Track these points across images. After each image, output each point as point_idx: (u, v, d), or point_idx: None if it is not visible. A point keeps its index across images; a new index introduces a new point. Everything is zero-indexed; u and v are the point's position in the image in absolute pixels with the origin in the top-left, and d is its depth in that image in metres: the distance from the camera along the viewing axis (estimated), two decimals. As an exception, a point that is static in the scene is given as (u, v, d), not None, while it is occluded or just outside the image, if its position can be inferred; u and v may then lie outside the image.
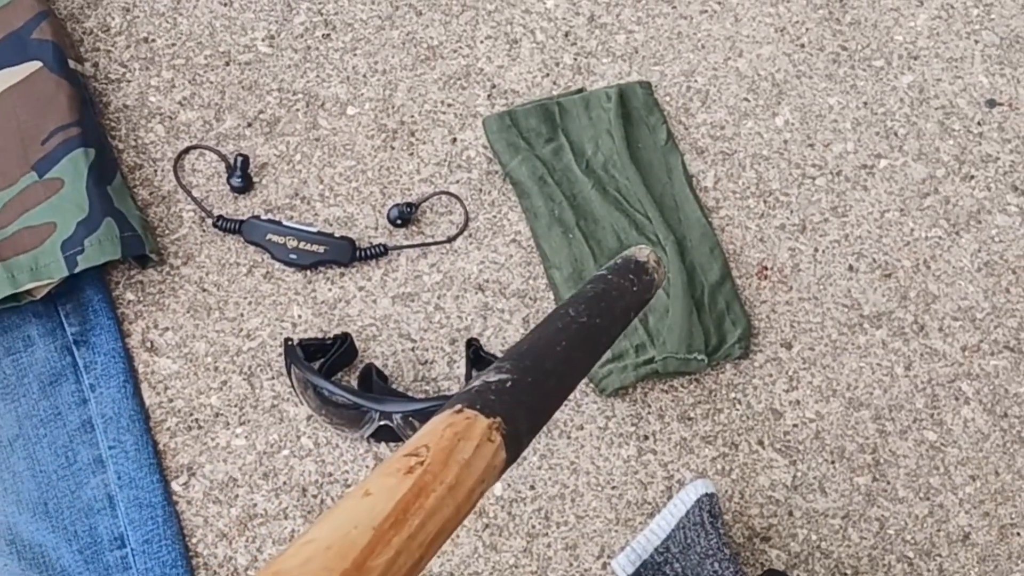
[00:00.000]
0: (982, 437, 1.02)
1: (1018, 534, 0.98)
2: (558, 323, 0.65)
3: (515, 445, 0.55)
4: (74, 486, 0.90)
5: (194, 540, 0.90)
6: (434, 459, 0.50)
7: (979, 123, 1.17)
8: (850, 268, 1.08)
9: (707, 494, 0.90)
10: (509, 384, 0.57)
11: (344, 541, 0.45)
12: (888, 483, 0.99)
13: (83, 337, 0.95)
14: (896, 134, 1.15)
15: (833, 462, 0.99)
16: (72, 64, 1.04)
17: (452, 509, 0.50)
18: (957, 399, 1.03)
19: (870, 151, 1.14)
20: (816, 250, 1.08)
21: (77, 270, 0.93)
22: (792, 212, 1.10)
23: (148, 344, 0.97)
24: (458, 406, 0.55)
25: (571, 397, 0.98)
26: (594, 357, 0.67)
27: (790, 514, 0.97)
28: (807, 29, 1.20)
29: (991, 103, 1.18)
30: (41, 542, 0.88)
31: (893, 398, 1.02)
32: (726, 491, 0.97)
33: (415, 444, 0.51)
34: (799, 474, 0.98)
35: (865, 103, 1.17)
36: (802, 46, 1.19)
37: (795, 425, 1.00)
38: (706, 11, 1.20)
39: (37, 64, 1.02)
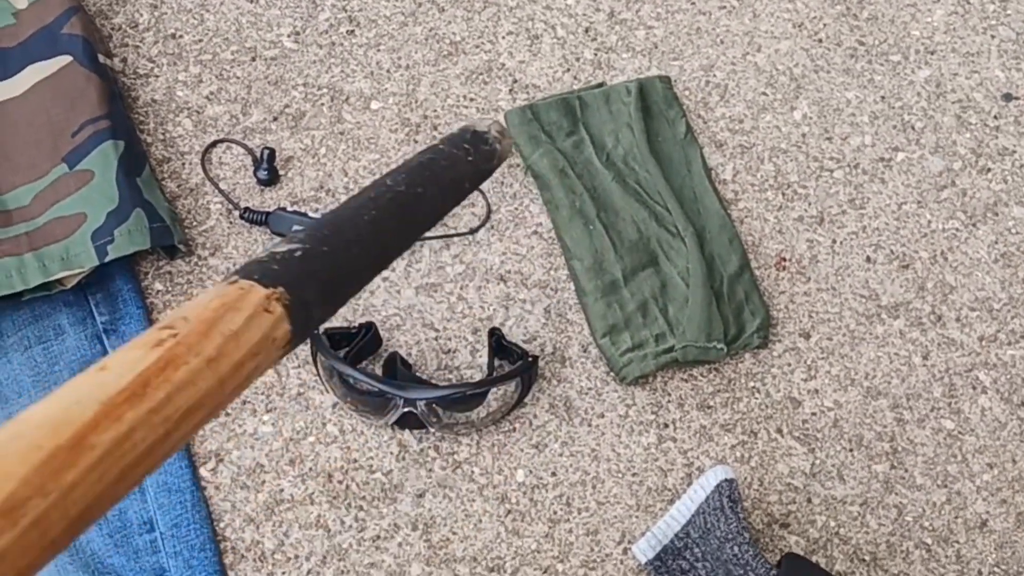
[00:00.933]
0: (999, 425, 1.03)
1: (1035, 521, 0.99)
2: (371, 192, 0.59)
3: (302, 316, 0.50)
4: (105, 470, 0.92)
5: (222, 524, 0.92)
6: (192, 331, 0.45)
7: (996, 117, 1.18)
8: (868, 259, 1.09)
9: (727, 479, 0.91)
10: (299, 253, 0.51)
11: (61, 416, 0.39)
12: (906, 471, 1.00)
13: (113, 326, 0.97)
14: (913, 128, 1.16)
15: (851, 450, 1.00)
16: (102, 58, 1.06)
17: (212, 382, 0.44)
18: (974, 388, 1.04)
19: (887, 144, 1.15)
20: (834, 241, 1.09)
21: (107, 260, 0.94)
22: (810, 204, 1.11)
23: (177, 333, 0.99)
24: (234, 277, 0.49)
25: (591, 386, 1.00)
26: (414, 228, 0.61)
27: (809, 501, 0.98)
28: (825, 24, 1.22)
29: (1008, 97, 1.19)
30: (73, 525, 0.90)
31: (911, 387, 1.03)
32: (745, 478, 0.98)
33: (173, 316, 0.46)
34: (817, 462, 0.99)
35: (882, 97, 1.18)
36: (820, 41, 1.21)
37: (813, 414, 1.01)
38: (725, 7, 1.22)
39: (68, 58, 1.03)
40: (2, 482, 0.36)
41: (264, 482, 0.94)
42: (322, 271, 0.52)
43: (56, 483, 0.38)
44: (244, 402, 0.96)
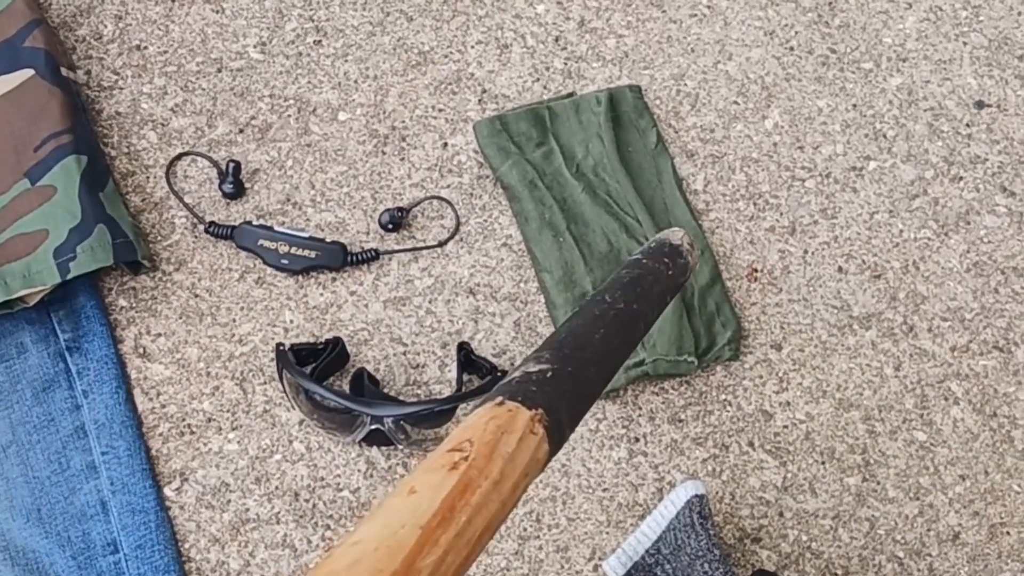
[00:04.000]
0: (971, 437, 1.02)
1: (1007, 533, 0.98)
2: (595, 310, 0.64)
3: (557, 437, 0.54)
4: (67, 492, 0.91)
5: (187, 545, 0.91)
6: (478, 454, 0.49)
7: (968, 124, 1.17)
8: (839, 269, 1.08)
9: (697, 495, 0.90)
10: (550, 375, 0.56)
11: (392, 541, 0.45)
12: (878, 483, 0.99)
13: (76, 343, 0.96)
14: (885, 136, 1.16)
15: (823, 463, 1.00)
16: (64, 72, 1.04)
17: (498, 504, 0.49)
18: (947, 399, 1.03)
19: (859, 153, 1.14)
20: (806, 252, 1.09)
21: (70, 276, 0.93)
22: (782, 214, 1.10)
23: (140, 350, 0.97)
24: (499, 398, 0.54)
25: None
26: (632, 343, 0.65)
27: (780, 515, 0.97)
28: (796, 32, 1.21)
29: (980, 105, 1.19)
30: (35, 548, 0.89)
31: (883, 399, 1.03)
32: (717, 492, 0.97)
33: (458, 438, 0.50)
34: (789, 475, 0.99)
35: (854, 105, 1.17)
36: (791, 49, 1.20)
37: (785, 426, 1.01)
38: (695, 15, 1.21)
39: (29, 72, 1.02)
40: None
41: (229, 501, 0.93)
42: (570, 391, 0.57)
43: None
44: (209, 419, 0.95)
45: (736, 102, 1.16)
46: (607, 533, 0.95)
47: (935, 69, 1.20)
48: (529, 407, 0.53)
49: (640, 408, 1.00)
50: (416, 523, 0.45)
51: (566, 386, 0.56)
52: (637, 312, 0.66)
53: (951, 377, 1.04)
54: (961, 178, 1.14)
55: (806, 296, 1.07)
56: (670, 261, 0.71)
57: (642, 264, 0.70)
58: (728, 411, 1.01)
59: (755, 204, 1.11)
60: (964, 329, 1.07)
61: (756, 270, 1.07)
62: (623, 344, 0.64)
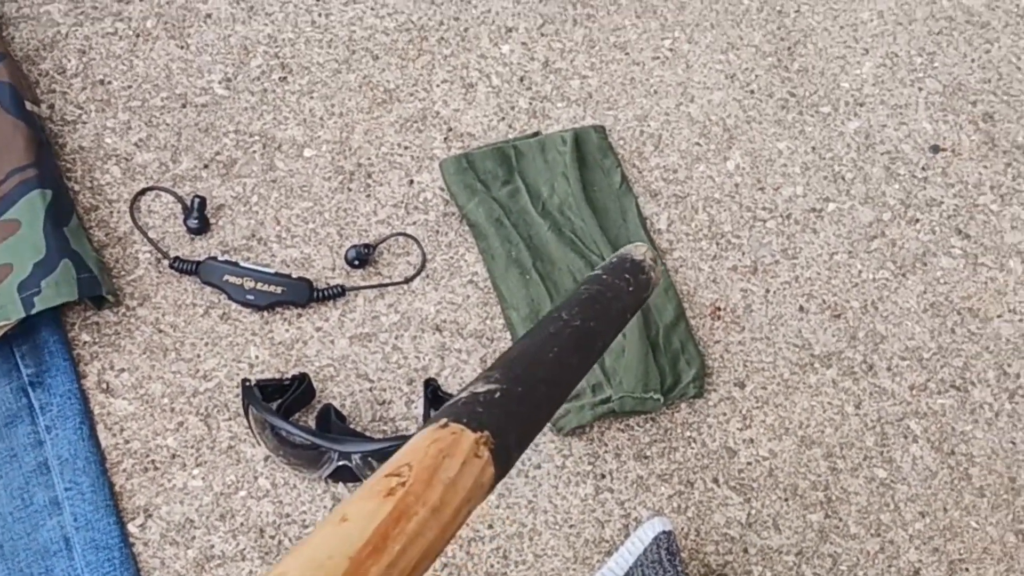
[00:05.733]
0: (930, 474, 1.03)
1: (967, 569, 1.00)
2: (550, 328, 0.61)
3: (504, 459, 0.52)
4: (30, 528, 0.89)
5: (150, 582, 0.90)
6: (416, 479, 0.47)
7: (923, 168, 1.20)
8: (801, 309, 1.10)
9: (664, 531, 0.91)
10: (498, 395, 0.53)
11: (318, 573, 0.42)
12: (840, 520, 1.00)
13: (39, 379, 0.95)
14: (844, 178, 1.18)
15: (786, 499, 1.00)
16: (29, 106, 1.04)
17: (436, 532, 0.47)
18: (906, 437, 1.05)
19: (819, 195, 1.16)
20: (767, 291, 1.10)
21: (34, 312, 0.92)
22: (744, 254, 1.12)
23: (104, 385, 0.96)
24: (443, 420, 0.51)
25: (528, 437, 0.99)
26: (588, 362, 0.63)
27: (745, 551, 0.98)
28: (756, 76, 1.23)
29: (935, 149, 1.21)
30: (-6, 586, 0.87)
31: (844, 436, 1.04)
32: (682, 528, 0.98)
33: (397, 463, 0.48)
34: (753, 511, 0.99)
35: (813, 148, 1.19)
36: (752, 92, 1.22)
37: (749, 463, 1.01)
38: (658, 57, 1.23)
39: (-7, 105, 1.01)
40: None
41: (194, 538, 0.92)
42: (519, 411, 0.54)
43: None
44: (173, 455, 0.94)
45: (698, 143, 1.18)
46: (574, 570, 0.95)
47: (891, 113, 1.23)
48: (474, 429, 0.50)
49: (606, 444, 1.00)
50: (345, 553, 0.43)
51: (515, 407, 0.54)
52: (594, 330, 0.63)
53: (910, 415, 1.06)
54: (918, 220, 1.16)
55: (768, 335, 1.08)
56: (631, 277, 0.69)
57: (602, 280, 0.67)
58: (693, 448, 1.01)
59: (718, 243, 1.12)
60: (922, 368, 1.08)
61: (719, 308, 1.09)
62: (579, 363, 0.61)
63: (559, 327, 0.61)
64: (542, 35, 1.22)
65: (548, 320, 0.62)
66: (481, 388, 0.54)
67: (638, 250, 0.72)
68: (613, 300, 0.66)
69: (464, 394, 0.54)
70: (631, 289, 0.69)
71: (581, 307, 0.64)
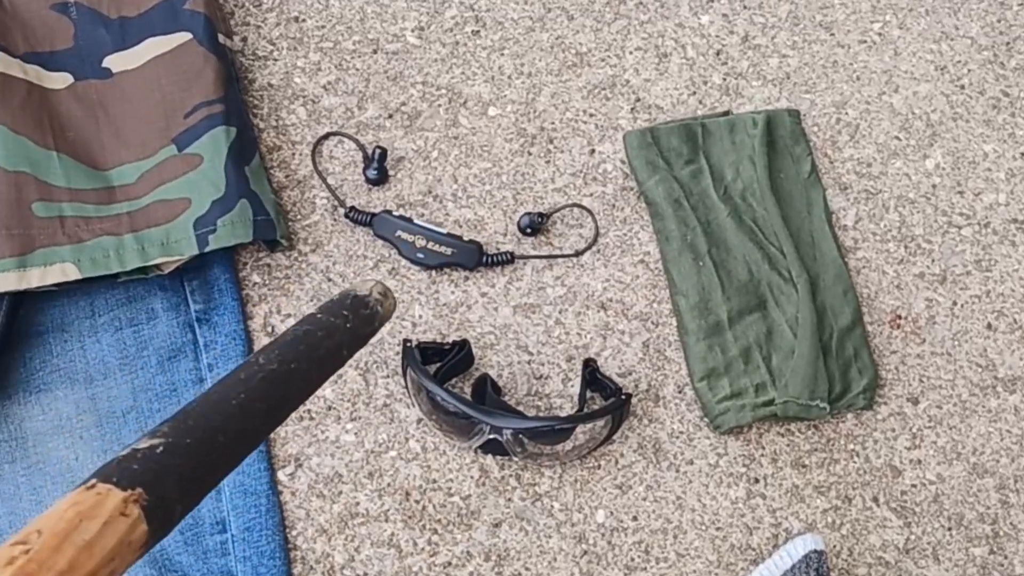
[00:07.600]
0: (1110, 521, 0.97)
1: None
2: (241, 374, 0.60)
3: (162, 515, 0.50)
4: (184, 467, 0.91)
5: (294, 533, 0.91)
6: (44, 545, 0.45)
7: None
8: (989, 326, 1.03)
9: (816, 551, 0.87)
10: (160, 449, 0.52)
11: None
12: (1006, 557, 0.95)
13: (206, 315, 0.96)
14: (1052, 190, 1.10)
15: (950, 529, 0.95)
16: (221, 39, 1.04)
17: None
18: (1088, 477, 0.98)
19: (1022, 205, 1.09)
20: (955, 303, 1.04)
21: (207, 250, 0.93)
22: (933, 261, 1.06)
23: (269, 328, 0.97)
24: (92, 481, 0.49)
25: (683, 429, 0.96)
26: (287, 403, 0.62)
27: (898, 577, 0.94)
28: (969, 70, 1.15)
29: None
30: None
31: (1020, 468, 0.98)
32: (834, 546, 0.94)
33: (27, 530, 0.46)
34: (913, 537, 0.95)
35: (1022, 154, 1.12)
36: (962, 87, 1.15)
37: (914, 485, 0.97)
38: (865, 41, 1.16)
39: (187, 35, 1.02)
40: None
41: (341, 493, 0.92)
42: (184, 465, 0.52)
43: None
44: (329, 407, 0.95)
45: (898, 137, 1.11)
46: (716, 574, 0.92)
47: (1114, 124, 1.14)
48: (124, 487, 0.49)
49: (763, 448, 0.97)
50: None
51: (179, 460, 0.52)
52: (294, 371, 0.62)
53: (1095, 454, 0.99)
54: None
55: (950, 350, 1.02)
56: (350, 313, 0.68)
57: (315, 320, 0.66)
58: (855, 462, 0.97)
59: (906, 247, 1.06)
60: (1115, 405, 1.01)
61: (900, 317, 1.03)
62: (272, 406, 0.60)
63: (251, 372, 0.60)
64: (745, 7, 1.16)
65: (243, 366, 0.61)
66: (143, 445, 0.53)
67: (364, 285, 0.71)
68: (324, 339, 0.65)
69: (124, 452, 0.52)
70: (348, 325, 0.67)
71: (282, 349, 0.63)
